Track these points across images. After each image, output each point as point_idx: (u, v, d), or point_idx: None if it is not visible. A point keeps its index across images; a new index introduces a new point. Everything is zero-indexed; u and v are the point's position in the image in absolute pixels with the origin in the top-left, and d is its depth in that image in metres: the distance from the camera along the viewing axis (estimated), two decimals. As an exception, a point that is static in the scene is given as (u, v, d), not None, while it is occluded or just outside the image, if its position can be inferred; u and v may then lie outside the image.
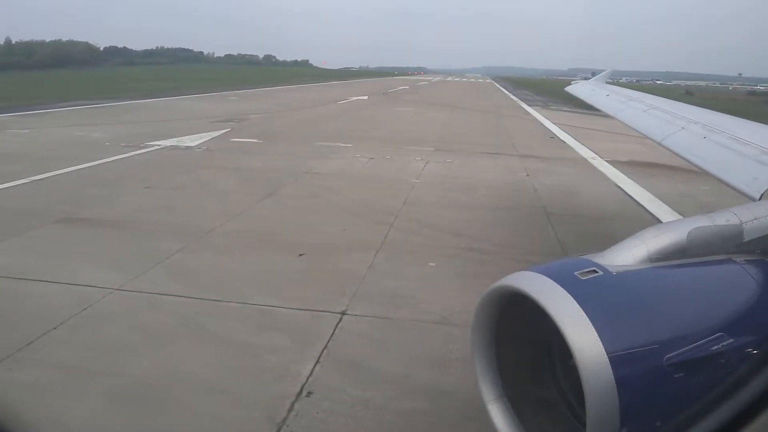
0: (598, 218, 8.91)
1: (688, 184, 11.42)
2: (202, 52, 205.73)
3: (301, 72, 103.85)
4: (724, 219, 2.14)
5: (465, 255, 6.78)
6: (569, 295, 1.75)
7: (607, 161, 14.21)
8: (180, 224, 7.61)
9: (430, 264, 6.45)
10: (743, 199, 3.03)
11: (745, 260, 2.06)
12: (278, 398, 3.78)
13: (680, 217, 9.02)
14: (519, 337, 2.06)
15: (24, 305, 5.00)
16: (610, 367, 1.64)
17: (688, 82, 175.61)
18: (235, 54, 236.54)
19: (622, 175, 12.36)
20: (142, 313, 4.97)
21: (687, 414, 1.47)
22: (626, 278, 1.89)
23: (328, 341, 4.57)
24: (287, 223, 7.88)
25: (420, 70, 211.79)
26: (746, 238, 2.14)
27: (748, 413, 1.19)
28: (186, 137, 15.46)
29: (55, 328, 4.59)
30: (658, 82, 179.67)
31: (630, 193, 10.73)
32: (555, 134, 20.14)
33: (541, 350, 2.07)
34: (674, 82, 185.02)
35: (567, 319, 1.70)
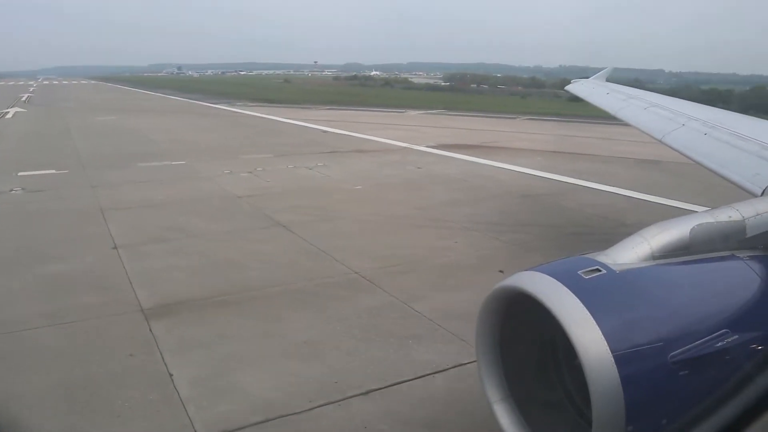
0: (555, 193, 10.41)
1: (527, 159, 13.97)
2: None
3: None
4: (726, 215, 2.16)
5: (572, 239, 7.47)
6: (573, 295, 1.76)
7: (430, 147, 15.87)
8: (303, 283, 6.05)
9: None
10: (745, 195, 3.11)
11: (748, 256, 2.08)
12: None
13: (584, 182, 11.30)
14: (523, 338, 2.08)
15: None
16: (615, 365, 1.65)
17: (269, 71, 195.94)
18: None
19: (475, 158, 14.01)
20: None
21: (693, 411, 1.49)
22: (630, 276, 1.90)
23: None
24: (394, 248, 7.09)
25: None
26: (749, 234, 2.15)
27: (755, 410, 1.18)
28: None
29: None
30: (242, 72, 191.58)
31: (519, 170, 12.48)
32: (323, 129, 20.60)
33: (546, 350, 2.09)
34: (265, 72, 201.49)
35: (571, 319, 1.71)
